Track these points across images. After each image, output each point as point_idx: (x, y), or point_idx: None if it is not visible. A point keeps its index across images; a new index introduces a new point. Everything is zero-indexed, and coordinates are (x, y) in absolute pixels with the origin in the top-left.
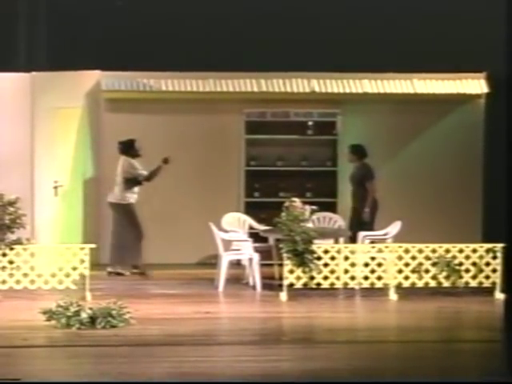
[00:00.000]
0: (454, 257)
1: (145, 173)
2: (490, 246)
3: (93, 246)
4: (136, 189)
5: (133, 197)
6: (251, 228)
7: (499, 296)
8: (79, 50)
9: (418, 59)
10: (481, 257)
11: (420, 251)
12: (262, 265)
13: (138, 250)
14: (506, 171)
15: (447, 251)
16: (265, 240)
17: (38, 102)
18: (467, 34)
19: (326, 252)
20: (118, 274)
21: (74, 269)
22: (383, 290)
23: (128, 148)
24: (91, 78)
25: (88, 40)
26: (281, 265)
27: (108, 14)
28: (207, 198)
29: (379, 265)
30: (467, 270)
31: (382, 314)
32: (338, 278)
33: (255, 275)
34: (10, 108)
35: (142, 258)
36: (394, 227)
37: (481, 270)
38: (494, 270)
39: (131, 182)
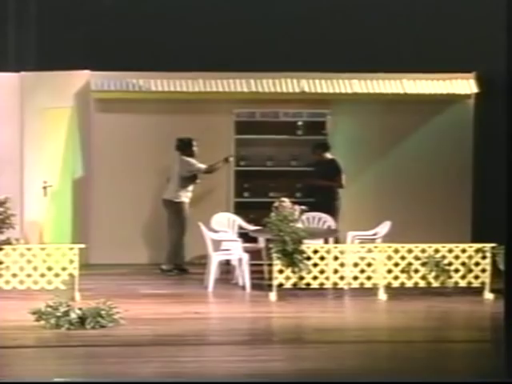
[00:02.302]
0: (444, 257)
1: (203, 166)
2: (479, 246)
3: (82, 246)
4: (191, 187)
5: (186, 195)
6: (241, 228)
7: (488, 296)
8: (69, 49)
9: (408, 59)
10: (470, 257)
11: (409, 251)
12: (252, 265)
13: (180, 248)
14: (505, 171)
15: (436, 251)
16: (254, 240)
17: (27, 102)
18: (457, 34)
19: (315, 252)
20: (180, 270)
21: (64, 269)
22: (373, 290)
23: (186, 146)
24: (81, 78)
25: (77, 40)
26: (270, 265)
27: (97, 13)
28: (197, 197)
29: (369, 265)
30: (456, 270)
31: (372, 314)
32: (327, 278)
33: (245, 275)
34: None
35: (184, 256)
36: (384, 227)
37: (470, 270)
38: (484, 270)
39: (189, 179)
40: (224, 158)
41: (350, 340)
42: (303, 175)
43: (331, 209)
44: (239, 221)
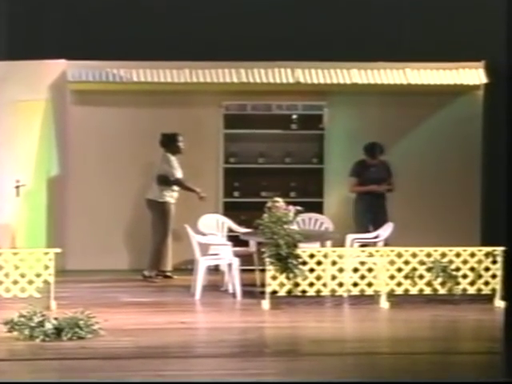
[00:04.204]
0: (451, 261)
1: (178, 175)
2: (489, 249)
3: (58, 250)
4: (176, 187)
5: (172, 195)
6: (230, 231)
7: (499, 304)
8: (43, 37)
9: (412, 47)
10: (479, 261)
11: (414, 255)
12: (243, 270)
13: (165, 253)
14: (506, 169)
15: (443, 255)
16: (245, 244)
17: None
18: (464, 21)
19: (311, 256)
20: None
21: (38, 275)
22: (374, 298)
23: (169, 142)
24: (56, 67)
25: (52, 27)
26: (263, 270)
27: None
28: (183, 197)
29: (369, 270)
30: (465, 276)
31: (373, 324)
32: (324, 285)
33: (235, 282)
34: None
35: (168, 260)
36: (386, 229)
37: (479, 276)
38: (494, 276)
39: (163, 179)
40: (201, 196)
41: (349, 352)
42: (298, 173)
43: (385, 212)
44: (229, 223)
